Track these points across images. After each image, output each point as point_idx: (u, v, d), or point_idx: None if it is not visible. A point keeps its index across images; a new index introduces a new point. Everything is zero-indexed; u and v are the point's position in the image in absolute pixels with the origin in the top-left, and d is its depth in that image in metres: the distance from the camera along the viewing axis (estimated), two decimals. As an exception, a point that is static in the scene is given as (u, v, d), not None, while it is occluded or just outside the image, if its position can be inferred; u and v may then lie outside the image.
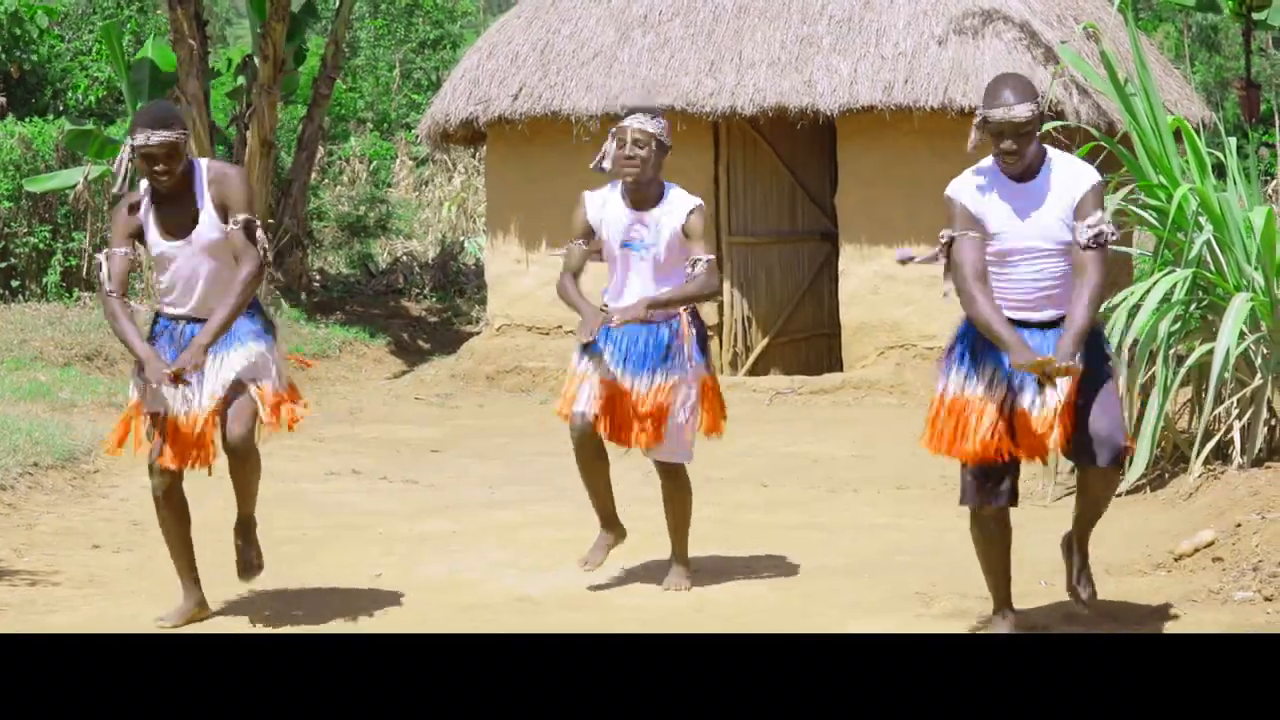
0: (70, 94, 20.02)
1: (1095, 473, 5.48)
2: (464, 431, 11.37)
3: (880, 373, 12.84)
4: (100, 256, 5.88)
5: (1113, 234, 5.39)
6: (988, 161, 5.49)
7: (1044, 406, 5.32)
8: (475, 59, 13.89)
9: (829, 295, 13.66)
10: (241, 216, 5.77)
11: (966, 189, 5.46)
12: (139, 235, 5.86)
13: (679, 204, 6.44)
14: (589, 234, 6.48)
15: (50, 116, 17.76)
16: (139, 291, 13.81)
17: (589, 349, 6.43)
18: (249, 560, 6.08)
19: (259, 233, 5.81)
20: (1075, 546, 5.76)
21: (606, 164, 6.47)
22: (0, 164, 15.53)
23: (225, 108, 18.68)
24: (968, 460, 5.47)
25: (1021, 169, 5.39)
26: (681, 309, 6.42)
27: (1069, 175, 5.41)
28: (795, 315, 13.81)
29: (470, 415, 12.32)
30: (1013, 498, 5.53)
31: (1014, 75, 5.51)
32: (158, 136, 5.69)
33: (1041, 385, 5.29)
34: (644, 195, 6.42)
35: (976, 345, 5.46)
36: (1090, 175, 5.44)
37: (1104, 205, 5.48)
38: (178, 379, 5.64)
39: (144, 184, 5.84)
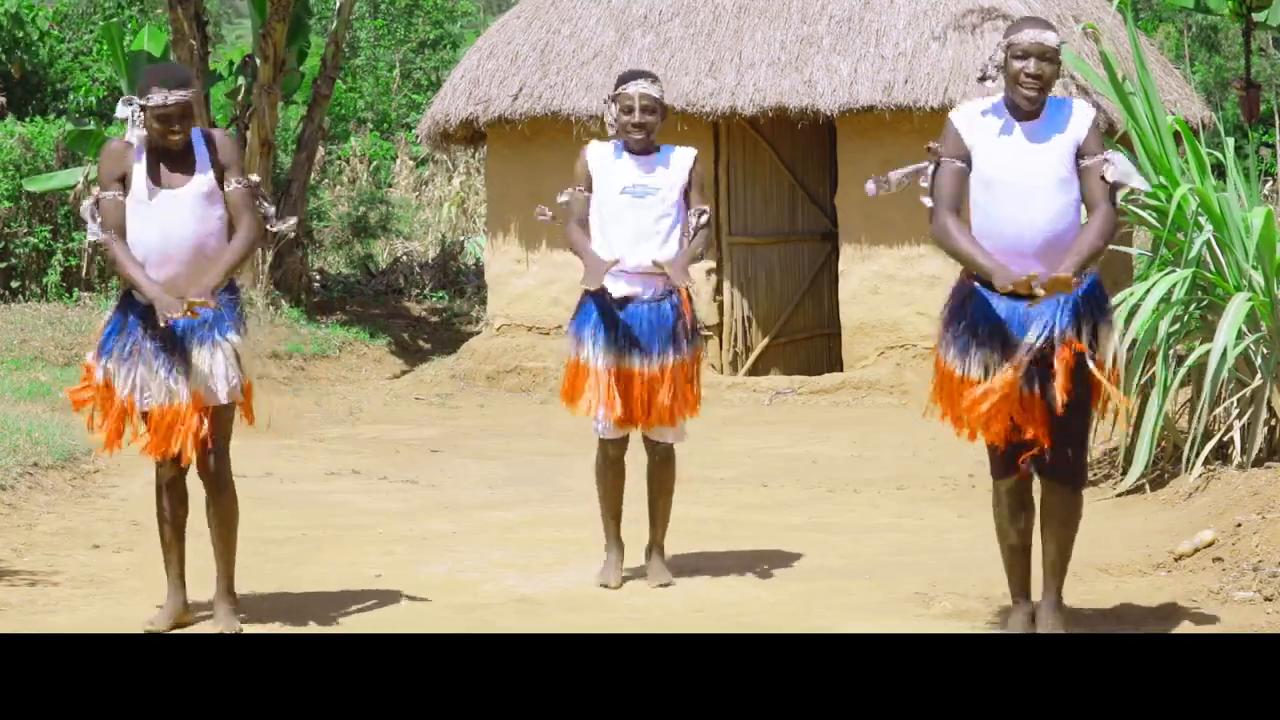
0: (70, 94, 20.01)
1: (1049, 488, 5.45)
2: (464, 431, 11.36)
3: (880, 373, 12.84)
4: (87, 203, 5.76)
5: (1117, 171, 5.33)
6: (996, 97, 5.45)
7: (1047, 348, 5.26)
8: (475, 59, 13.89)
9: (829, 295, 13.66)
10: (249, 177, 5.74)
11: (967, 116, 5.43)
12: (124, 181, 5.73)
13: (681, 153, 6.58)
14: (590, 182, 6.56)
15: (50, 116, 17.75)
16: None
17: (593, 336, 6.46)
18: (229, 627, 5.91)
19: (262, 199, 5.79)
20: (1045, 583, 5.58)
21: (611, 130, 6.58)
22: (0, 164, 15.53)
23: (225, 108, 18.68)
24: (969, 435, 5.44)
25: (1037, 104, 5.34)
26: (682, 286, 6.47)
27: (1069, 113, 5.38)
28: (795, 315, 13.80)
29: (470, 415, 12.32)
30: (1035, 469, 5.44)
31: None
32: (175, 96, 5.64)
33: (1032, 298, 5.14)
34: (646, 150, 6.55)
35: (974, 322, 5.38)
36: (1089, 110, 5.41)
37: (1104, 141, 5.45)
38: (174, 338, 5.58)
39: (138, 134, 5.71)
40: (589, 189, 6.55)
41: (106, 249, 5.77)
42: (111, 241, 5.73)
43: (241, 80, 16.29)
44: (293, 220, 6.11)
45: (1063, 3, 13.37)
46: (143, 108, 5.66)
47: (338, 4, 16.66)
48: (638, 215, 6.46)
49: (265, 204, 5.88)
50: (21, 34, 19.90)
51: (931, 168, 5.43)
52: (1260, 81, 19.39)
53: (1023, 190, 5.32)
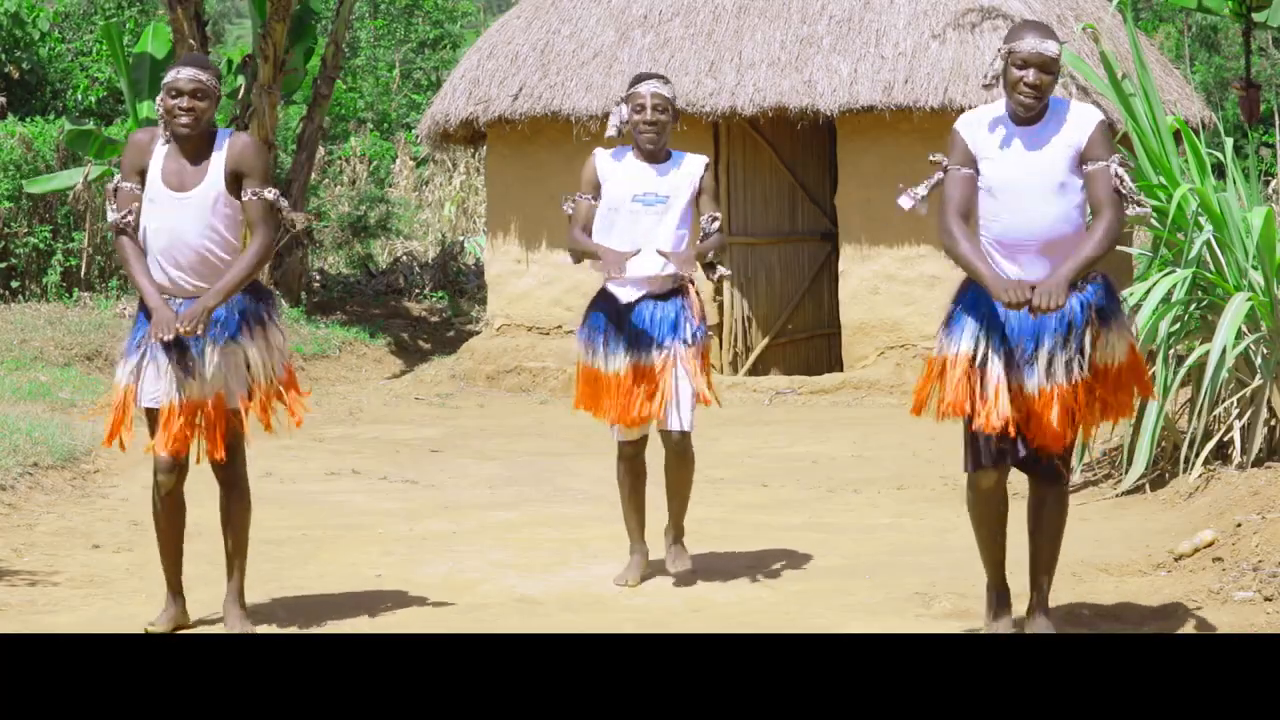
0: (70, 94, 20.02)
1: (1035, 487, 5.46)
2: (464, 431, 11.36)
3: (880, 373, 12.84)
4: (109, 186, 5.76)
5: (1123, 176, 5.33)
6: (998, 102, 5.46)
7: (1046, 379, 5.25)
8: (475, 59, 13.90)
9: (829, 295, 13.66)
10: (268, 190, 5.70)
11: (971, 124, 5.43)
12: (144, 174, 5.72)
13: (693, 161, 6.58)
14: (598, 189, 6.55)
15: (50, 116, 17.74)
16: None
17: (604, 340, 6.47)
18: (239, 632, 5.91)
19: (283, 203, 5.76)
20: (1030, 579, 5.56)
21: (613, 131, 6.56)
22: (0, 164, 15.53)
23: (225, 108, 18.66)
24: (944, 413, 5.39)
25: (1037, 111, 5.33)
26: (690, 284, 6.52)
27: (1073, 117, 5.36)
28: (795, 315, 13.81)
29: (470, 415, 12.32)
30: (1012, 462, 5.40)
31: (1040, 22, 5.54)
32: (187, 72, 5.65)
33: (1034, 312, 5.15)
34: (657, 156, 6.55)
35: (970, 311, 5.37)
36: (1094, 114, 5.38)
37: (1112, 144, 5.44)
38: (179, 341, 5.57)
39: (165, 131, 5.72)
40: (596, 196, 6.54)
41: (117, 242, 5.76)
42: (122, 240, 5.72)
43: (241, 80, 16.29)
44: (302, 215, 6.06)
45: (1063, 2, 13.38)
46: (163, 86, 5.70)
47: (337, 4, 16.66)
48: (648, 223, 6.46)
49: (280, 199, 5.80)
50: (21, 34, 19.89)
51: (938, 178, 5.44)
52: (1260, 81, 19.38)
53: (1024, 195, 5.32)
